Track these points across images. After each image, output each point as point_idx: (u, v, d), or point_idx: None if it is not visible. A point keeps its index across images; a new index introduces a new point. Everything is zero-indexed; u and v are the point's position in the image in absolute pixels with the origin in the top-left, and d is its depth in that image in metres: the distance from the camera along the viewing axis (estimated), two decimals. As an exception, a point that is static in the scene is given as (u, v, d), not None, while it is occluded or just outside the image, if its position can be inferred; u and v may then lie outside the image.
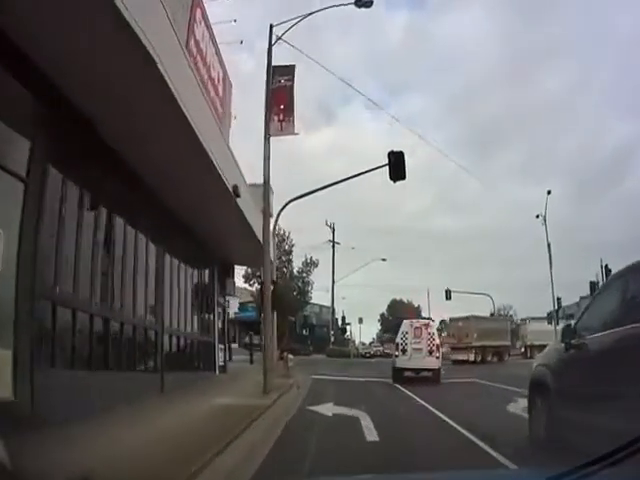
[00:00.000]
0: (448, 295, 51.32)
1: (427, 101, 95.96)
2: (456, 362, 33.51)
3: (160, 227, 11.97)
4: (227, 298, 18.52)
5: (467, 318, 36.89)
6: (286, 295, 51.22)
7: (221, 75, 17.73)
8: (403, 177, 17.33)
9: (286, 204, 20.31)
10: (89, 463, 3.75)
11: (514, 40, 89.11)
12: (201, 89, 10.67)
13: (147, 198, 11.06)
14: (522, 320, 46.72)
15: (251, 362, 23.06)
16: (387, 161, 17.48)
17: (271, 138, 13.60)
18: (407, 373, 17.64)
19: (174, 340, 13.43)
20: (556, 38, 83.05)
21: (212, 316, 17.02)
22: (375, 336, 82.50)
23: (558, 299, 44.83)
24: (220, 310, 18.01)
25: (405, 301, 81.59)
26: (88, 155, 8.42)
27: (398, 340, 18.07)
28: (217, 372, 16.94)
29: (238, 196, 12.36)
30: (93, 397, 7.67)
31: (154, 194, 11.23)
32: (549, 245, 43.26)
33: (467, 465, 4.90)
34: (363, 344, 59.43)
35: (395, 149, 15.64)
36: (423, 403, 10.98)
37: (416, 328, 17.86)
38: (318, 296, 61.00)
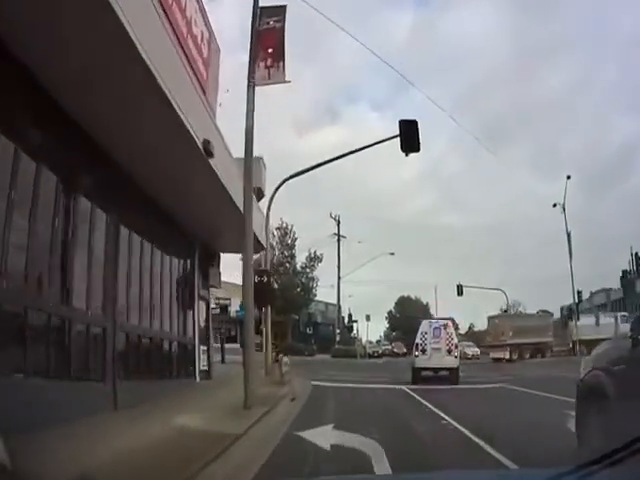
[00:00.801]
0: (460, 291, 48.61)
1: (434, 97, 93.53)
2: (495, 360, 33.51)
3: (111, 191, 9.26)
4: (212, 291, 15.70)
5: (502, 316, 37.60)
6: (286, 290, 48.43)
7: (206, 36, 15.25)
8: (417, 148, 14.92)
9: (282, 182, 17.68)
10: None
11: (519, 37, 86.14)
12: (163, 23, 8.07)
13: (92, 154, 8.41)
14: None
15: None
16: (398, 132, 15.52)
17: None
18: (426, 372, 17.68)
19: (135, 341, 10.70)
20: (561, 35, 79.99)
21: (192, 312, 14.27)
22: (382, 334, 79.77)
23: (579, 292, 42.08)
24: (203, 305, 15.26)
25: (413, 298, 78.89)
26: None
27: (418, 340, 18.05)
28: (198, 378, 14.17)
29: (210, 155, 9.62)
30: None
31: (101, 149, 8.56)
32: (569, 235, 40.56)
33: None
34: (370, 342, 56.09)
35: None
36: (455, 424, 8.11)
37: (435, 328, 18.03)
38: (323, 294, 58.27)
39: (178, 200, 11.59)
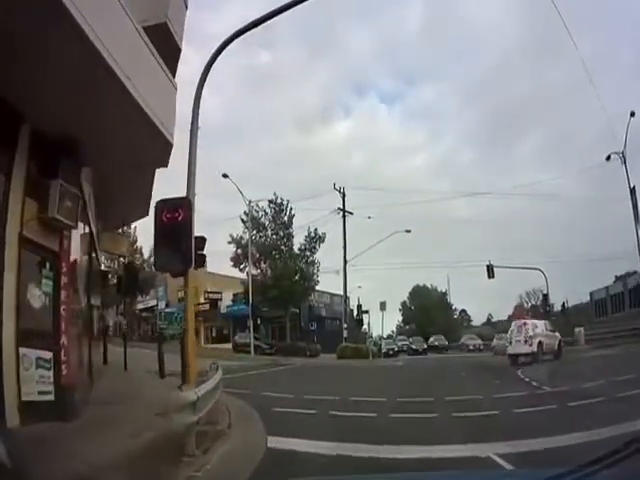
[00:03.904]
0: (490, 272, 40.58)
1: (444, 89, 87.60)
2: None
3: None
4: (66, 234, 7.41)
5: None
6: (282, 278, 40.22)
7: None
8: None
9: (228, 40, 9.67)
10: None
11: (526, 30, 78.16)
12: None
13: None
14: None
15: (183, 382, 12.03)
16: None
17: None
18: (518, 358, 24.08)
19: None
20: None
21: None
22: (395, 328, 71.20)
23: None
24: (38, 261, 7.15)
25: (429, 286, 70.46)
26: None
27: (508, 336, 26.48)
28: (14, 421, 6.09)
29: None
30: None
31: None
32: (632, 190, 31.85)
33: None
34: (383, 338, 47.10)
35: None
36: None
37: (518, 326, 25.62)
38: (327, 284, 50.01)
39: None
